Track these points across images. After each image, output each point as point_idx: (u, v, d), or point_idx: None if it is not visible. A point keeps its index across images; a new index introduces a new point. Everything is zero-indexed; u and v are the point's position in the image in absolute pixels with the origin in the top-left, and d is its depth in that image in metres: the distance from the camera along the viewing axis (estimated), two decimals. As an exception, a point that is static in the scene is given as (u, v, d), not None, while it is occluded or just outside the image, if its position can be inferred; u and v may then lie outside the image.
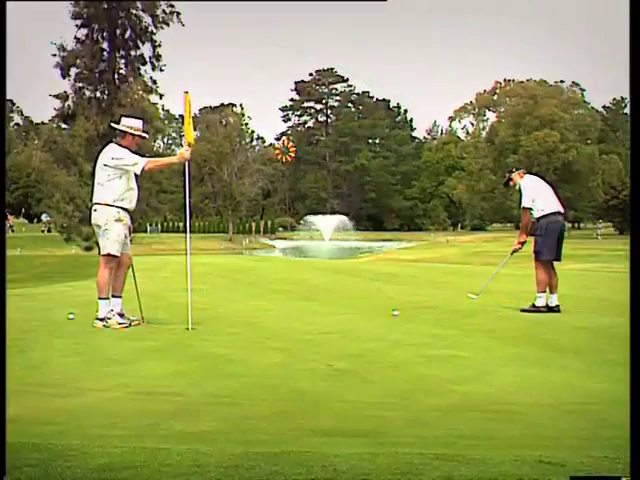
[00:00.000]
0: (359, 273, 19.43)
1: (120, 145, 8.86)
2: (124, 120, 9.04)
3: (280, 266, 23.92)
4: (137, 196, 9.07)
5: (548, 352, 7.09)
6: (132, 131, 8.91)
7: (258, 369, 6.09)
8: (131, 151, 8.88)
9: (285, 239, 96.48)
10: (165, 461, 3.50)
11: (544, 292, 10.65)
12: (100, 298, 8.83)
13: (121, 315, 8.83)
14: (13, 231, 73.71)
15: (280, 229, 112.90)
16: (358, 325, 9.02)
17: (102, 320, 8.74)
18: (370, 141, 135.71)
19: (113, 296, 8.94)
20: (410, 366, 6.28)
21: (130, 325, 8.74)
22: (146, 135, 9.17)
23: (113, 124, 9.07)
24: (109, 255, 8.84)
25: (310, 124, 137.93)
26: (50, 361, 6.34)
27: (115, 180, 8.77)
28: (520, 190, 11.20)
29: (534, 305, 10.60)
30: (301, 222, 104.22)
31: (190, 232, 9.72)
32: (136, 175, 8.90)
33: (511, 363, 6.45)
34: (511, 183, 11.52)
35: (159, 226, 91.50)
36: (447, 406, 4.84)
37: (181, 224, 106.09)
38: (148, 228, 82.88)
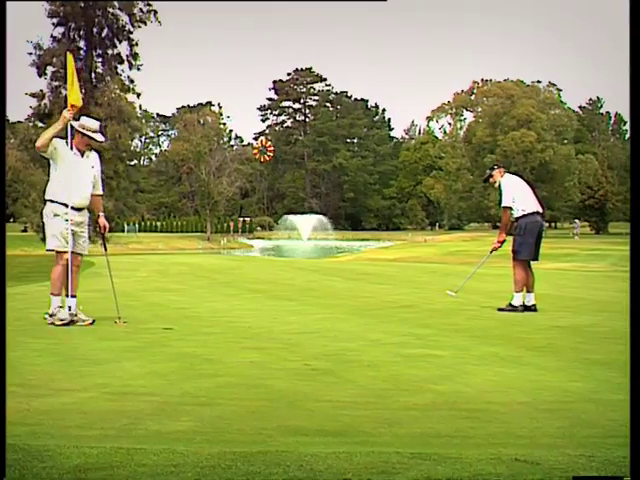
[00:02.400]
0: (337, 272, 19.45)
1: (66, 141, 8.85)
2: (81, 119, 9.01)
3: (258, 266, 23.89)
4: (86, 191, 8.96)
5: (524, 351, 7.13)
6: (82, 130, 8.86)
7: (235, 369, 6.08)
8: (79, 150, 8.87)
9: (263, 239, 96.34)
10: (142, 461, 3.50)
11: (521, 291, 10.71)
12: (51, 294, 8.84)
13: (75, 314, 8.80)
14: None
15: (258, 228, 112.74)
16: (336, 324, 9.03)
17: (52, 316, 8.76)
18: (348, 141, 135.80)
19: (68, 295, 8.90)
20: (387, 365, 6.29)
21: (71, 323, 8.69)
22: (98, 137, 9.03)
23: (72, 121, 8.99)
24: (53, 251, 8.82)
25: (288, 124, 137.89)
26: (27, 361, 6.30)
27: (52, 175, 8.84)
28: (500, 188, 11.24)
29: (511, 304, 10.66)
30: (279, 221, 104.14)
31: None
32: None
33: (488, 362, 6.48)
34: (491, 180, 11.55)
35: (136, 225, 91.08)
36: (424, 405, 4.86)
37: (159, 223, 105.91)
38: (125, 227, 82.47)
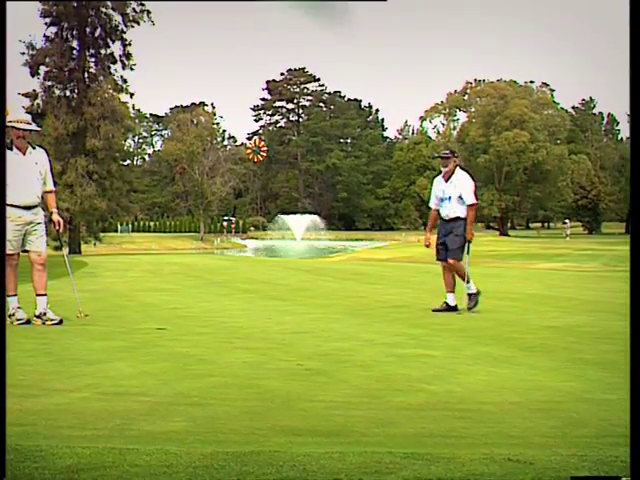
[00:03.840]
0: (330, 273, 19.45)
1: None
2: (11, 117, 9.03)
3: (251, 266, 23.88)
4: (32, 188, 8.93)
5: (517, 351, 7.14)
6: (15, 125, 8.87)
7: (228, 369, 6.07)
8: (20, 149, 8.88)
9: (257, 239, 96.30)
10: (134, 462, 3.49)
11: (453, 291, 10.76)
12: (7, 295, 8.83)
13: (43, 314, 8.79)
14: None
15: (252, 228, 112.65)
16: (329, 325, 9.03)
17: (10, 316, 8.80)
18: (342, 141, 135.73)
19: (37, 295, 8.91)
20: (380, 365, 6.30)
21: (28, 322, 8.74)
22: (32, 127, 9.06)
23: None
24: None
25: (282, 124, 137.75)
26: (18, 361, 6.28)
27: None
28: (449, 179, 10.87)
29: (447, 304, 10.63)
30: (273, 221, 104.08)
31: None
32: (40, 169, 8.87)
33: (481, 362, 6.49)
34: (447, 169, 10.92)
35: (130, 226, 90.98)
36: (417, 405, 4.86)
37: (152, 224, 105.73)
38: (119, 227, 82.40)
